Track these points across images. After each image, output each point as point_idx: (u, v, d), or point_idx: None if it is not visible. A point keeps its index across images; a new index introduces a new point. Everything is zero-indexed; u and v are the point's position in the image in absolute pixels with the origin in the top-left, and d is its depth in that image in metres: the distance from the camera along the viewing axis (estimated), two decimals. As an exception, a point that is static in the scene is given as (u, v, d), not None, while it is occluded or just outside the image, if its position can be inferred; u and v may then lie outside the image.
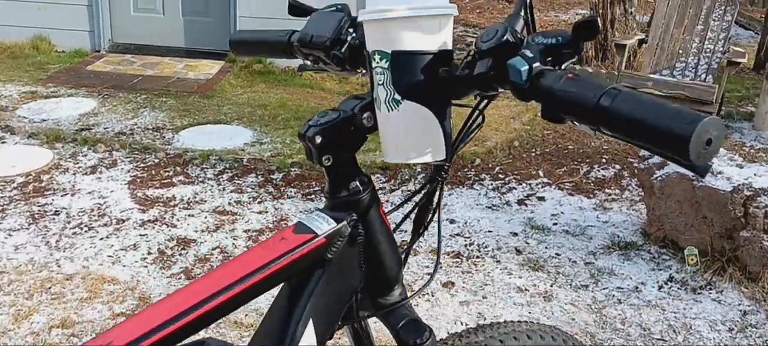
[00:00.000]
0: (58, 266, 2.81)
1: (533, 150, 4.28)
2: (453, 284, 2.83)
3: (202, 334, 0.82)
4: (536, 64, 0.77)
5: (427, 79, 0.86)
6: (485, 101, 0.94)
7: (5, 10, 5.97)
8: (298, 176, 3.80)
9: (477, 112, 0.95)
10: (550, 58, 0.78)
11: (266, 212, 3.40)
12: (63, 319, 2.43)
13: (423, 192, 1.00)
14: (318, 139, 0.89)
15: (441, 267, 2.94)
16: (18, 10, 5.97)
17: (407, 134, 0.89)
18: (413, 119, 0.88)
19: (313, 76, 5.45)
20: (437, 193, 0.99)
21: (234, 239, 3.13)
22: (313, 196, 3.58)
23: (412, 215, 1.03)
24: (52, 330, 2.37)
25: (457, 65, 0.88)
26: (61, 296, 2.57)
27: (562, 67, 0.79)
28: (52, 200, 3.43)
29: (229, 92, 5.22)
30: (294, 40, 1.10)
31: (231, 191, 3.61)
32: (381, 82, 0.88)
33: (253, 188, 3.65)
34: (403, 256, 1.03)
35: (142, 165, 3.88)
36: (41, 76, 5.35)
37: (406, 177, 3.79)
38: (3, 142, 4.11)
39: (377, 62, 0.87)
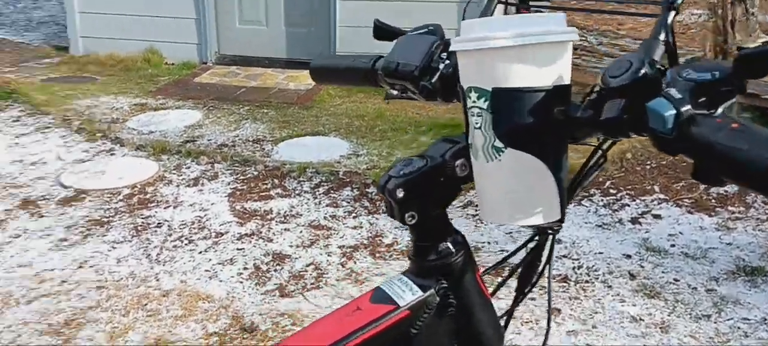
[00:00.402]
0: (157, 281, 2.83)
1: (648, 162, 3.97)
2: (559, 311, 2.63)
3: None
4: (686, 108, 0.59)
5: (537, 123, 0.69)
6: (610, 141, 0.76)
7: (121, 24, 6.24)
8: (395, 189, 3.69)
9: (599, 152, 0.78)
10: (702, 99, 0.60)
11: (361, 227, 3.31)
12: (157, 338, 2.42)
13: (529, 247, 0.84)
14: (399, 194, 0.74)
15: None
16: (132, 23, 6.22)
17: (511, 190, 0.71)
18: (519, 172, 0.70)
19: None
20: (547, 248, 0.83)
21: (328, 255, 3.06)
22: (410, 211, 3.47)
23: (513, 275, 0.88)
24: (147, 349, 2.37)
25: (576, 104, 0.70)
26: (157, 314, 2.58)
27: (719, 111, 0.60)
28: (156, 212, 3.49)
29: (327, 103, 5.19)
30: (378, 67, 0.94)
31: (326, 205, 3.55)
32: (478, 126, 0.71)
33: (348, 202, 3.57)
34: (504, 322, 0.88)
35: (241, 177, 3.90)
36: (151, 89, 5.53)
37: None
38: (112, 154, 4.25)
39: (473, 101, 0.71)
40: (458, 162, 0.75)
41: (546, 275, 0.85)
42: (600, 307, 2.64)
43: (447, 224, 0.79)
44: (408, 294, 0.76)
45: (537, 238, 0.83)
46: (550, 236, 0.81)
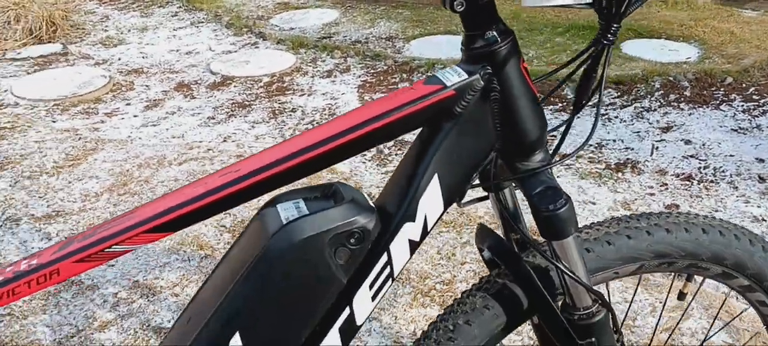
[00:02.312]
0: (289, 156, 3.07)
1: (800, 70, 3.69)
2: (678, 206, 2.59)
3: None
4: None
5: None
6: None
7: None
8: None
9: None
10: None
11: (485, 120, 3.37)
12: (285, 200, 2.66)
13: (586, 56, 0.89)
14: None
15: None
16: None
17: None
18: None
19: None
20: (603, 59, 0.88)
21: (449, 144, 3.15)
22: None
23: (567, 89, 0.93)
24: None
25: None
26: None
27: None
28: (291, 98, 3.73)
29: (463, 4, 5.19)
30: None
31: (452, 99, 3.62)
32: None
33: (474, 97, 3.63)
34: (563, 129, 0.94)
35: (371, 71, 4.05)
36: (294, -11, 5.77)
37: (642, 93, 3.50)
38: (256, 47, 4.53)
39: None
40: None
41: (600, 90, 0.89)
42: (721, 206, 2.57)
43: (494, 13, 0.84)
44: (455, 77, 0.84)
45: (594, 48, 0.87)
46: (606, 47, 0.85)
